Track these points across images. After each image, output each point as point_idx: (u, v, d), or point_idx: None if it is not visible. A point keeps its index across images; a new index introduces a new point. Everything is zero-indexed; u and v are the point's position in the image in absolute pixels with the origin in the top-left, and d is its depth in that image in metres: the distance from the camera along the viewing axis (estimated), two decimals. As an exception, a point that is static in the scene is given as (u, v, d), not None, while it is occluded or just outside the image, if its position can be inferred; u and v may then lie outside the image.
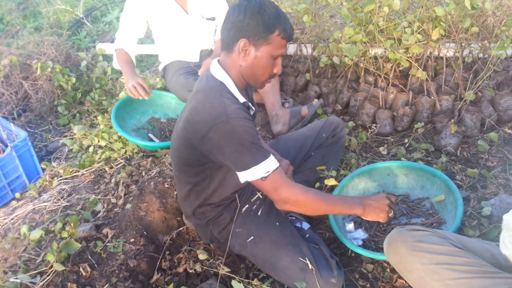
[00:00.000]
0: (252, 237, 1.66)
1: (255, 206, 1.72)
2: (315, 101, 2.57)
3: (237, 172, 1.48)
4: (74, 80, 3.11)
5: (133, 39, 2.68)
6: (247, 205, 1.72)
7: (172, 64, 2.77)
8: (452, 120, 2.31)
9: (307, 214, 1.62)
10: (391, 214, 1.59)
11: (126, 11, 2.65)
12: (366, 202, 1.56)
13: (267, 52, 1.46)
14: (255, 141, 1.44)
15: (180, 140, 1.59)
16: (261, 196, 1.73)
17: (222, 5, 2.75)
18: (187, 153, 1.59)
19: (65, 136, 2.84)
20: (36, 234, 1.79)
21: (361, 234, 1.86)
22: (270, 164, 1.45)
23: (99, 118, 2.73)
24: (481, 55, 2.54)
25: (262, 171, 1.44)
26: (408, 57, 2.37)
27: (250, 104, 1.59)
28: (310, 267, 1.54)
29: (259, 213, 1.70)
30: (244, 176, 1.47)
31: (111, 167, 2.29)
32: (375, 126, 2.49)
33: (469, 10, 2.19)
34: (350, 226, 1.88)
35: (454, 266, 1.21)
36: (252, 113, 1.63)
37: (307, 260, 1.55)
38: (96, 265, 1.72)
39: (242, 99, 1.52)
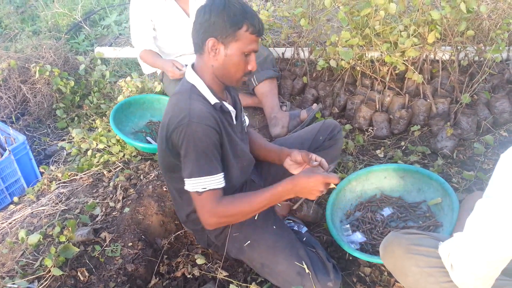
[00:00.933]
0: (249, 242, 1.67)
1: None
2: (315, 106, 2.58)
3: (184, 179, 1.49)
4: (72, 83, 3.12)
5: (150, 38, 2.67)
6: None
7: (171, 68, 2.77)
8: (448, 123, 2.32)
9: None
10: (323, 193, 1.49)
11: (133, 14, 2.66)
12: (297, 189, 1.48)
13: (237, 49, 1.46)
14: (208, 151, 1.43)
15: (159, 146, 1.62)
16: None
17: None
18: (164, 158, 1.61)
19: (64, 140, 2.84)
20: (34, 238, 1.79)
21: (358, 237, 1.87)
22: (211, 181, 1.44)
23: (98, 121, 2.74)
24: (476, 58, 2.56)
25: (200, 185, 1.44)
26: (404, 61, 2.39)
27: (226, 104, 1.58)
28: (307, 271, 1.54)
29: (256, 217, 1.70)
30: (187, 185, 1.47)
31: (110, 171, 2.30)
32: (372, 129, 2.50)
33: (465, 14, 2.21)
34: (348, 229, 1.89)
35: None
36: (233, 115, 1.62)
37: (304, 264, 1.56)
38: (94, 269, 1.72)
39: (213, 101, 1.52)
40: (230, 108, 1.60)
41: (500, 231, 1.02)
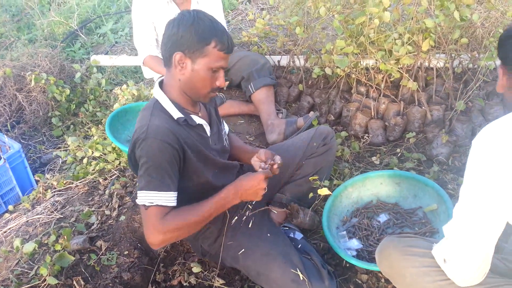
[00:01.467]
0: (243, 250, 1.66)
1: (245, 217, 1.72)
2: (311, 113, 2.59)
3: None
4: (68, 91, 3.12)
5: (154, 42, 2.69)
6: (236, 217, 1.72)
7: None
8: (443, 130, 2.33)
9: None
10: (266, 190, 1.53)
11: (136, 18, 2.67)
12: (241, 191, 1.51)
13: (204, 65, 1.45)
14: (161, 167, 1.41)
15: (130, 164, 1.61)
16: (250, 207, 1.73)
17: (218, 13, 2.78)
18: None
19: (59, 148, 2.84)
20: (29, 247, 1.78)
21: (355, 244, 1.87)
22: (160, 197, 1.41)
23: (93, 129, 2.74)
24: (470, 65, 2.58)
25: (148, 199, 1.41)
26: (399, 68, 2.41)
27: (195, 118, 1.56)
28: (301, 278, 1.54)
29: (249, 225, 1.70)
30: (137, 198, 1.45)
31: (105, 179, 2.29)
32: (368, 136, 2.51)
33: (459, 22, 2.23)
34: (344, 236, 1.89)
35: None
36: (207, 128, 1.61)
37: (298, 271, 1.55)
38: (89, 278, 1.71)
39: (177, 115, 1.50)
40: (201, 121, 1.59)
41: (479, 211, 1.08)
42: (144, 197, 1.42)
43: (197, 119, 1.57)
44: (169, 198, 1.43)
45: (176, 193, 1.46)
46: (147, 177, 1.42)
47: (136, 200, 1.47)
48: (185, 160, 1.51)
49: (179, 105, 1.53)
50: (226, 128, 1.87)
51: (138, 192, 1.45)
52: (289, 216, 1.97)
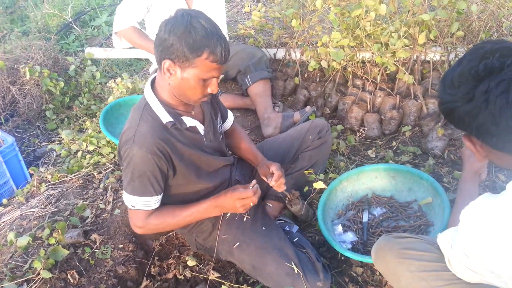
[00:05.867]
0: (238, 243, 1.66)
1: None
2: (308, 108, 2.58)
3: None
4: (62, 84, 3.09)
5: (138, 19, 2.55)
6: None
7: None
8: (439, 123, 2.33)
9: None
10: (247, 208, 1.53)
11: None
12: (221, 206, 1.54)
13: (194, 75, 1.37)
14: (144, 176, 1.44)
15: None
16: None
17: (220, 8, 2.74)
18: None
19: (53, 141, 2.82)
20: (23, 240, 1.77)
21: (350, 237, 1.87)
22: (142, 203, 1.49)
23: (88, 122, 2.72)
24: (466, 59, 2.57)
25: (130, 202, 1.50)
26: (395, 61, 2.40)
27: (187, 119, 1.52)
28: (296, 271, 1.54)
29: (244, 219, 1.70)
30: (123, 195, 1.53)
31: (100, 172, 2.28)
32: (363, 130, 2.51)
33: (456, 15, 2.23)
34: (339, 229, 1.90)
35: (441, 272, 1.21)
36: (200, 128, 1.58)
37: (293, 264, 1.56)
38: (84, 272, 1.71)
39: (166, 119, 1.46)
40: (193, 122, 1.54)
41: None
42: (127, 199, 1.50)
43: (188, 121, 1.52)
44: (151, 202, 1.50)
45: (160, 195, 1.52)
46: (130, 182, 1.47)
47: (122, 196, 1.52)
48: (173, 167, 1.51)
49: (169, 107, 1.49)
50: (230, 118, 1.85)
51: (123, 189, 1.51)
52: (288, 203, 1.95)
